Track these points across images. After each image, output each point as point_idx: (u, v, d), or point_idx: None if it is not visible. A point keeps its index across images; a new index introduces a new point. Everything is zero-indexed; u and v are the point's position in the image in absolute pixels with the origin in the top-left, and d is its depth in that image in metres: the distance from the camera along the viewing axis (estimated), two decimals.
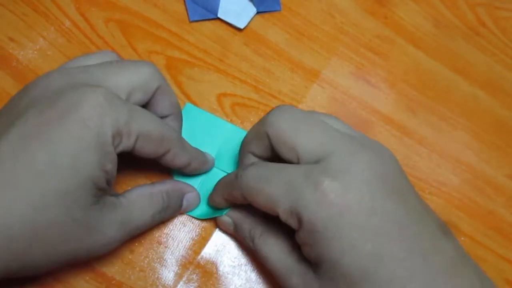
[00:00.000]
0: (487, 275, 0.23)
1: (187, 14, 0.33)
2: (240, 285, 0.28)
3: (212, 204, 0.27)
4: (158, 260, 0.27)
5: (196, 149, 0.27)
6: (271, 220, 0.25)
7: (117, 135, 0.22)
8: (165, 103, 0.26)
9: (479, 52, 0.36)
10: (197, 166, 0.27)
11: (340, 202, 0.20)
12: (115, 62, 0.25)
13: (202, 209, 0.28)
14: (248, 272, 0.28)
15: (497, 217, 0.32)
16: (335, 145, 0.22)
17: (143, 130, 0.23)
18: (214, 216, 0.28)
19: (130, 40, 0.32)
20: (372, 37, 0.35)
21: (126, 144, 0.22)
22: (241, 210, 0.27)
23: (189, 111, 0.30)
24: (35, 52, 0.31)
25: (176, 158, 0.25)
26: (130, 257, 0.27)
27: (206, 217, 0.28)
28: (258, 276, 0.28)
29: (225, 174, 0.29)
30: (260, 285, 0.28)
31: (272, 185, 0.22)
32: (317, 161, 0.22)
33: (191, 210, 0.28)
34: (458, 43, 0.36)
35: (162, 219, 0.27)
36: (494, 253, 0.31)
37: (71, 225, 0.21)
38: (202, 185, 0.29)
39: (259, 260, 0.26)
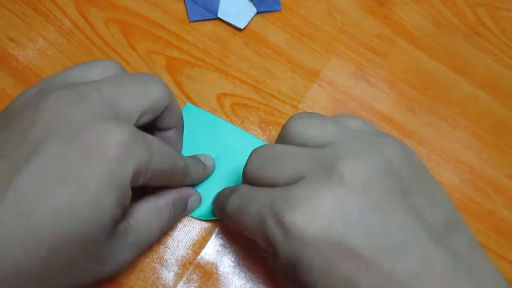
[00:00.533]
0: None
1: (187, 14, 0.33)
2: (240, 285, 0.28)
3: (217, 216, 0.27)
4: (158, 260, 0.27)
5: (197, 164, 0.27)
6: None
7: (137, 175, 0.21)
8: (171, 119, 0.26)
9: (479, 52, 0.36)
10: (199, 178, 0.28)
11: (304, 234, 0.19)
12: (124, 78, 0.23)
13: (202, 209, 0.28)
14: (248, 272, 0.28)
15: (497, 217, 0.32)
16: (307, 168, 0.21)
17: (159, 168, 0.22)
18: (215, 218, 0.28)
19: (130, 40, 0.32)
20: (372, 37, 0.35)
21: (141, 181, 0.22)
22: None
23: (189, 111, 0.30)
24: (35, 52, 0.31)
25: (179, 183, 0.26)
26: None
27: (207, 218, 0.28)
28: (258, 276, 0.28)
29: (225, 174, 0.29)
30: (260, 285, 0.28)
31: (247, 218, 0.21)
32: (288, 184, 0.21)
33: (192, 212, 0.28)
34: (458, 43, 0.36)
35: (169, 227, 0.27)
36: (494, 253, 0.31)
37: (88, 260, 0.21)
38: (202, 186, 0.29)
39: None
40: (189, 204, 0.27)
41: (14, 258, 0.18)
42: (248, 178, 0.23)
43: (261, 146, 0.23)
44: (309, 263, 0.19)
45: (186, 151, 0.29)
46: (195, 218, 0.28)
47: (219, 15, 0.33)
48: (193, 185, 0.28)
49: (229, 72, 0.32)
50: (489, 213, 0.32)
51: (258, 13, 0.33)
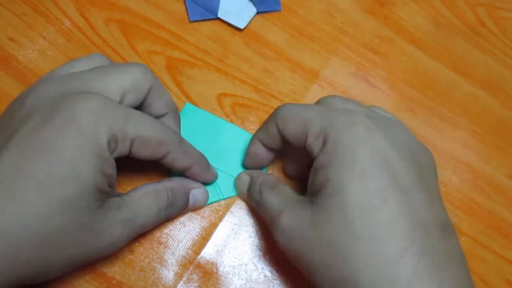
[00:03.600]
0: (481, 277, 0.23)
1: (187, 14, 0.33)
2: (240, 285, 0.28)
3: (250, 158, 0.28)
4: (158, 260, 0.27)
5: (200, 153, 0.27)
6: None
7: (113, 141, 0.22)
8: (160, 103, 0.26)
9: (479, 52, 0.36)
10: (199, 171, 0.27)
11: (366, 134, 0.22)
12: (106, 66, 0.25)
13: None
14: (248, 272, 0.28)
15: (497, 217, 0.32)
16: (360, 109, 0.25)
17: (138, 135, 0.23)
18: (220, 199, 0.28)
19: (130, 40, 0.32)
20: (372, 37, 0.35)
21: (121, 149, 0.23)
22: (256, 171, 0.29)
23: (189, 111, 0.30)
24: (35, 52, 0.31)
25: (176, 161, 0.25)
26: (130, 257, 0.27)
27: (213, 201, 0.28)
28: (258, 276, 0.28)
29: (225, 175, 0.29)
30: (260, 285, 0.28)
31: (309, 111, 0.24)
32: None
33: (199, 206, 0.28)
34: (458, 43, 0.36)
35: (169, 216, 0.27)
36: (494, 253, 0.31)
37: (78, 230, 0.21)
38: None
39: (260, 213, 0.26)
40: (193, 198, 0.27)
41: (2, 229, 0.19)
42: (284, 123, 0.25)
43: (289, 103, 0.26)
44: (355, 160, 0.22)
45: None
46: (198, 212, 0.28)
47: (219, 15, 0.33)
48: (196, 179, 0.28)
49: (229, 72, 0.32)
50: (489, 213, 0.32)
51: (258, 13, 0.34)
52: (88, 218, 0.21)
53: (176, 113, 0.28)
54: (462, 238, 0.31)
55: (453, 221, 0.31)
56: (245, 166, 0.29)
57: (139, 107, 0.26)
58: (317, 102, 0.27)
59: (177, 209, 0.27)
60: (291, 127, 0.24)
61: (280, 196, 0.25)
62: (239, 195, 0.29)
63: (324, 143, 0.23)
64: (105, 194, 0.22)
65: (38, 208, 0.20)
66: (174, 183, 0.27)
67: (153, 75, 0.26)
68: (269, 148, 0.27)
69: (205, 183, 0.28)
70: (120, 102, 0.24)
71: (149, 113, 0.26)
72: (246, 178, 0.28)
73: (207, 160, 0.28)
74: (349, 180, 0.21)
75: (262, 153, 0.27)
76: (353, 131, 0.22)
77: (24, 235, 0.20)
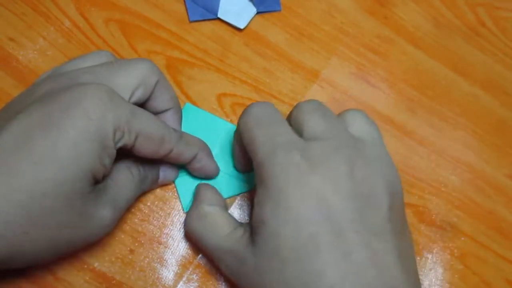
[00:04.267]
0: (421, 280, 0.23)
1: (187, 14, 0.33)
2: None
3: (235, 160, 0.29)
4: (158, 260, 0.27)
5: (201, 141, 0.28)
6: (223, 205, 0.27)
7: (118, 131, 0.22)
8: (164, 97, 0.27)
9: (479, 52, 0.36)
10: (204, 157, 0.27)
11: (300, 179, 0.21)
12: (115, 62, 0.25)
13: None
14: None
15: (497, 217, 0.32)
16: (332, 135, 0.23)
17: (144, 130, 0.23)
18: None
19: (130, 40, 0.32)
20: (372, 37, 0.35)
21: (126, 140, 0.23)
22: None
23: (188, 111, 0.30)
24: (35, 52, 0.31)
25: (181, 156, 0.26)
26: (130, 257, 0.27)
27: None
28: None
29: (225, 175, 0.29)
30: None
31: (259, 131, 0.23)
32: (308, 140, 0.23)
33: (169, 181, 0.28)
34: (458, 43, 0.36)
35: (143, 190, 0.27)
36: (494, 253, 0.31)
37: (69, 213, 0.21)
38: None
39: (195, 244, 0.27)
40: (162, 172, 0.28)
41: None
42: (294, 112, 0.25)
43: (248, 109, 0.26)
44: (291, 203, 0.21)
45: None
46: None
47: (219, 15, 0.33)
48: (202, 170, 0.28)
49: (229, 72, 0.32)
50: (489, 213, 0.32)
51: (258, 13, 0.34)
52: (81, 201, 0.21)
53: (178, 108, 0.28)
54: (462, 238, 0.31)
55: (453, 221, 0.31)
56: (236, 167, 0.29)
57: (145, 102, 0.26)
58: (294, 110, 0.26)
59: (149, 183, 0.27)
60: (244, 141, 0.24)
61: (216, 232, 0.25)
62: None
63: (261, 178, 0.22)
64: (97, 182, 0.23)
65: (31, 185, 0.20)
66: (142, 159, 0.26)
67: (159, 70, 0.26)
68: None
69: (210, 178, 0.29)
70: (129, 99, 0.24)
71: (154, 108, 0.27)
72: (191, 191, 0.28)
73: (209, 148, 0.28)
74: (284, 224, 0.21)
75: (242, 155, 0.27)
76: (288, 173, 0.21)
77: (13, 211, 0.20)
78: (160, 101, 0.26)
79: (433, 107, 0.34)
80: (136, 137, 0.23)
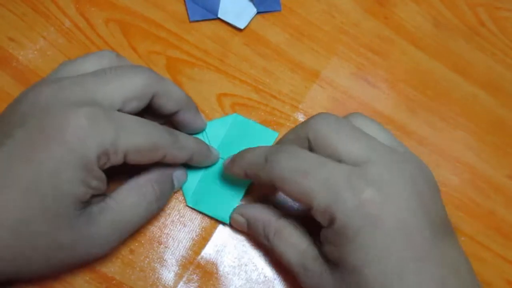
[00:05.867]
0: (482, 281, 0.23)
1: (187, 14, 0.33)
2: (240, 285, 0.28)
3: (228, 172, 0.27)
4: (158, 260, 0.27)
5: (197, 140, 0.27)
6: (285, 216, 0.26)
7: (104, 155, 0.22)
8: (168, 104, 0.26)
9: (479, 52, 0.36)
10: (200, 159, 0.27)
11: (377, 213, 0.21)
12: (108, 70, 0.24)
13: (208, 202, 0.28)
14: (248, 272, 0.28)
15: (497, 217, 0.32)
16: (378, 153, 0.22)
17: (131, 146, 0.23)
18: (218, 216, 0.28)
19: (130, 40, 0.32)
20: (372, 37, 0.35)
21: (114, 161, 0.23)
22: (254, 207, 0.27)
23: (236, 121, 0.30)
24: (35, 52, 0.31)
25: (176, 159, 0.26)
26: (130, 257, 0.27)
27: (210, 214, 0.28)
28: (258, 276, 0.28)
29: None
30: (260, 285, 0.28)
31: (310, 180, 0.22)
32: (358, 165, 0.22)
33: (181, 185, 0.28)
34: (458, 43, 0.36)
35: (161, 206, 0.27)
36: (494, 253, 0.31)
37: (60, 235, 0.22)
38: (205, 175, 0.29)
39: (275, 257, 0.26)
40: (175, 180, 0.27)
41: None
42: (313, 134, 0.23)
43: (328, 113, 0.24)
44: (369, 243, 0.21)
45: None
46: (198, 212, 0.28)
47: (219, 15, 0.33)
48: (198, 166, 0.28)
49: (229, 72, 0.32)
50: (489, 213, 0.32)
51: (258, 13, 0.34)
52: (69, 224, 0.22)
53: (188, 107, 0.27)
54: (462, 238, 0.31)
55: (453, 221, 0.31)
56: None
57: (148, 107, 0.26)
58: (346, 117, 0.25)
59: (166, 197, 0.27)
60: (291, 191, 0.22)
61: (293, 248, 0.24)
62: (238, 228, 0.28)
63: (331, 222, 0.21)
64: (87, 203, 0.23)
65: (20, 213, 0.21)
66: (156, 174, 0.26)
67: (157, 80, 0.25)
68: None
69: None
70: (120, 110, 0.24)
71: (160, 113, 0.26)
72: (241, 220, 0.27)
73: (206, 146, 0.28)
74: (366, 264, 0.21)
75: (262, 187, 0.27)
76: (363, 216, 0.21)
77: (8, 236, 0.21)
78: (164, 108, 0.26)
79: (433, 107, 0.34)
80: (125, 155, 0.23)
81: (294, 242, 0.24)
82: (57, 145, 0.21)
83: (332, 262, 0.22)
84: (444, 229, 0.23)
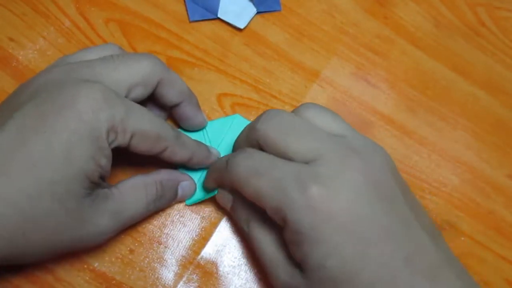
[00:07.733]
0: (479, 277, 0.23)
1: (187, 14, 0.33)
2: (240, 285, 0.28)
3: (206, 186, 0.27)
4: (158, 260, 0.27)
5: (198, 143, 0.27)
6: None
7: (112, 131, 0.22)
8: (171, 93, 0.26)
9: (479, 52, 0.36)
10: (199, 161, 0.27)
11: (326, 208, 0.21)
12: (116, 56, 0.25)
13: (198, 194, 0.28)
14: (248, 272, 0.28)
15: (497, 217, 0.32)
16: (326, 149, 0.22)
17: (139, 129, 0.23)
18: (208, 196, 0.28)
19: (130, 40, 0.32)
20: (372, 37, 0.35)
21: (121, 140, 0.23)
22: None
23: (238, 122, 0.30)
24: (35, 52, 0.31)
25: (175, 155, 0.26)
26: (130, 257, 0.27)
27: (204, 197, 0.28)
28: (258, 276, 0.28)
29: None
30: (260, 285, 0.28)
31: (261, 181, 0.22)
32: (307, 162, 0.22)
33: (187, 199, 0.28)
34: (458, 43, 0.36)
35: (157, 209, 0.27)
36: (494, 253, 0.31)
37: (64, 215, 0.21)
38: (204, 176, 0.29)
39: (249, 244, 0.26)
40: (182, 190, 0.27)
41: None
42: (262, 138, 0.23)
43: (275, 110, 0.24)
44: (323, 238, 0.21)
45: None
46: (190, 205, 0.28)
47: (219, 15, 0.33)
48: (197, 168, 0.28)
49: (229, 72, 0.32)
50: (489, 213, 0.32)
51: (258, 13, 0.34)
52: (75, 204, 0.22)
53: (190, 100, 0.28)
54: (462, 238, 0.31)
55: (453, 221, 0.31)
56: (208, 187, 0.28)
57: (151, 97, 0.26)
58: (295, 112, 0.25)
59: (165, 202, 0.27)
60: (247, 192, 0.23)
61: (267, 241, 0.24)
62: (222, 205, 0.28)
63: (285, 222, 0.22)
64: (94, 184, 0.22)
65: (29, 187, 0.20)
66: (163, 175, 0.27)
67: (163, 67, 0.26)
68: None
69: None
70: (126, 96, 0.24)
71: (163, 103, 0.27)
72: (228, 196, 0.27)
73: (206, 148, 0.28)
74: (326, 257, 0.21)
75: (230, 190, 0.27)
76: (312, 213, 0.21)
77: (11, 213, 0.20)
78: (167, 97, 0.26)
79: (433, 107, 0.34)
80: (132, 136, 0.23)
81: (270, 237, 0.24)
82: (70, 116, 0.21)
83: (299, 262, 0.22)
84: (407, 208, 0.22)
